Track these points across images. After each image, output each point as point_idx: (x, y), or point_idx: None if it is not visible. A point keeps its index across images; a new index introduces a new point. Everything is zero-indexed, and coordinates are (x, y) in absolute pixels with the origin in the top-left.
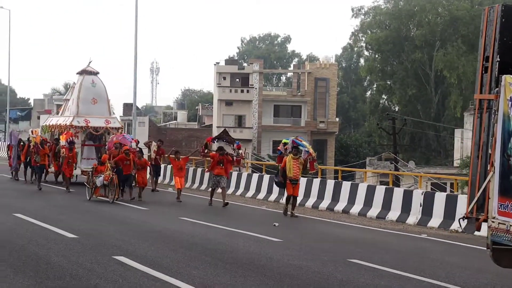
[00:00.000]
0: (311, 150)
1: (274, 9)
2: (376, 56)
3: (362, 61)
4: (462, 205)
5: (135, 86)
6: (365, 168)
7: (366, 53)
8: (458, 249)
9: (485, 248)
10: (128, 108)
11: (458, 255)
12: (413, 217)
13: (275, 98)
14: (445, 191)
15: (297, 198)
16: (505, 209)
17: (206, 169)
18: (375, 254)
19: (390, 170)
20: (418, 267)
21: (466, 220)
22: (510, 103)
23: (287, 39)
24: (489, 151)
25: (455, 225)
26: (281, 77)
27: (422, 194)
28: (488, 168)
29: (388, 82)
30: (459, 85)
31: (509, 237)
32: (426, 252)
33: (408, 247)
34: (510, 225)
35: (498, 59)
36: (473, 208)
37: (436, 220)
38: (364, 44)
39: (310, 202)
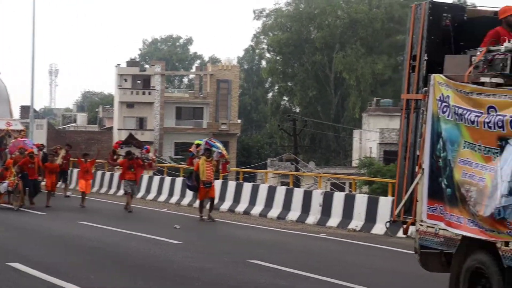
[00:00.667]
0: (224, 152)
1: (176, 11)
2: (278, 58)
3: (264, 63)
4: (360, 204)
5: (32, 88)
6: (266, 169)
7: (267, 55)
8: (357, 248)
9: (393, 249)
10: (25, 110)
11: (356, 254)
12: (313, 217)
13: (177, 100)
14: (344, 191)
15: (214, 200)
16: (433, 212)
17: (120, 177)
18: (275, 254)
19: (291, 170)
20: (317, 266)
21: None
22: (439, 103)
23: (189, 41)
24: (417, 153)
25: (353, 224)
26: (183, 79)
27: (321, 194)
28: (416, 170)
29: (289, 84)
30: (357, 87)
31: (438, 241)
32: (325, 251)
33: (308, 246)
34: (439, 229)
35: (426, 58)
36: (401, 211)
37: (335, 220)
38: (265, 46)
39: None
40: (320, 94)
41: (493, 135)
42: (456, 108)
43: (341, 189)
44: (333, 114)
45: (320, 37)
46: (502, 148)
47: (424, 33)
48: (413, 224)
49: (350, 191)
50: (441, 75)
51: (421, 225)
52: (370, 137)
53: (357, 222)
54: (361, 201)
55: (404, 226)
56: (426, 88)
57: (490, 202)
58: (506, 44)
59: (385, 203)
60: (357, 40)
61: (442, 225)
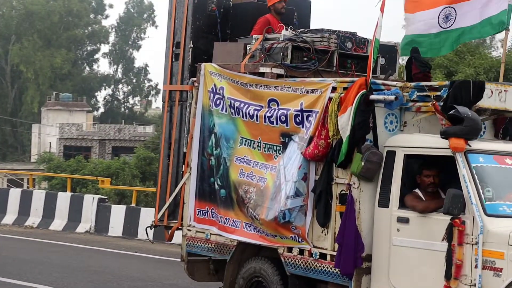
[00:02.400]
0: None
1: None
2: None
3: None
4: (37, 201)
5: None
6: None
7: None
8: (33, 245)
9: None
10: None
11: (32, 251)
12: None
13: None
14: (22, 187)
15: None
16: (204, 215)
17: None
18: None
19: None
20: None
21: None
22: (211, 95)
23: None
24: (184, 150)
25: (30, 221)
26: None
27: None
28: (183, 169)
29: None
30: (36, 80)
31: (209, 247)
32: None
33: None
34: (210, 234)
35: (192, 45)
36: (164, 215)
37: (10, 217)
38: None
39: None
40: None
41: (275, 131)
42: (232, 101)
43: (19, 185)
44: (10, 108)
45: None
46: (285, 145)
47: (189, 18)
48: (179, 228)
49: (28, 187)
50: (213, 64)
51: (189, 230)
52: (50, 131)
53: (34, 218)
54: (38, 197)
55: (169, 231)
56: (194, 79)
57: (273, 205)
58: (284, 32)
59: (63, 199)
60: (34, 33)
61: (214, 229)
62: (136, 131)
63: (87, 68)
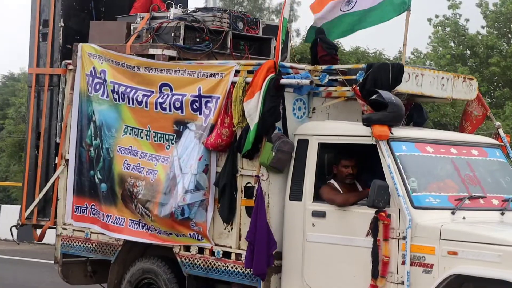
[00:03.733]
0: None
1: None
2: None
3: None
4: None
5: None
6: None
7: None
8: None
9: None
10: None
11: None
12: None
13: None
14: None
15: None
16: (83, 212)
17: None
18: None
19: None
20: None
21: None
22: (90, 79)
23: None
24: (57, 140)
25: None
26: None
27: None
28: (56, 162)
29: None
30: None
31: (90, 247)
32: None
33: None
34: (91, 232)
35: (62, 24)
36: (33, 212)
37: None
38: None
39: None
40: None
41: (168, 119)
42: (116, 86)
43: None
44: None
45: None
46: (179, 134)
47: None
48: (52, 227)
49: None
50: (93, 45)
51: (65, 228)
52: None
53: None
54: None
55: (39, 230)
56: (67, 61)
57: (168, 200)
58: (174, 10)
59: None
60: None
61: (96, 228)
62: None
63: None
